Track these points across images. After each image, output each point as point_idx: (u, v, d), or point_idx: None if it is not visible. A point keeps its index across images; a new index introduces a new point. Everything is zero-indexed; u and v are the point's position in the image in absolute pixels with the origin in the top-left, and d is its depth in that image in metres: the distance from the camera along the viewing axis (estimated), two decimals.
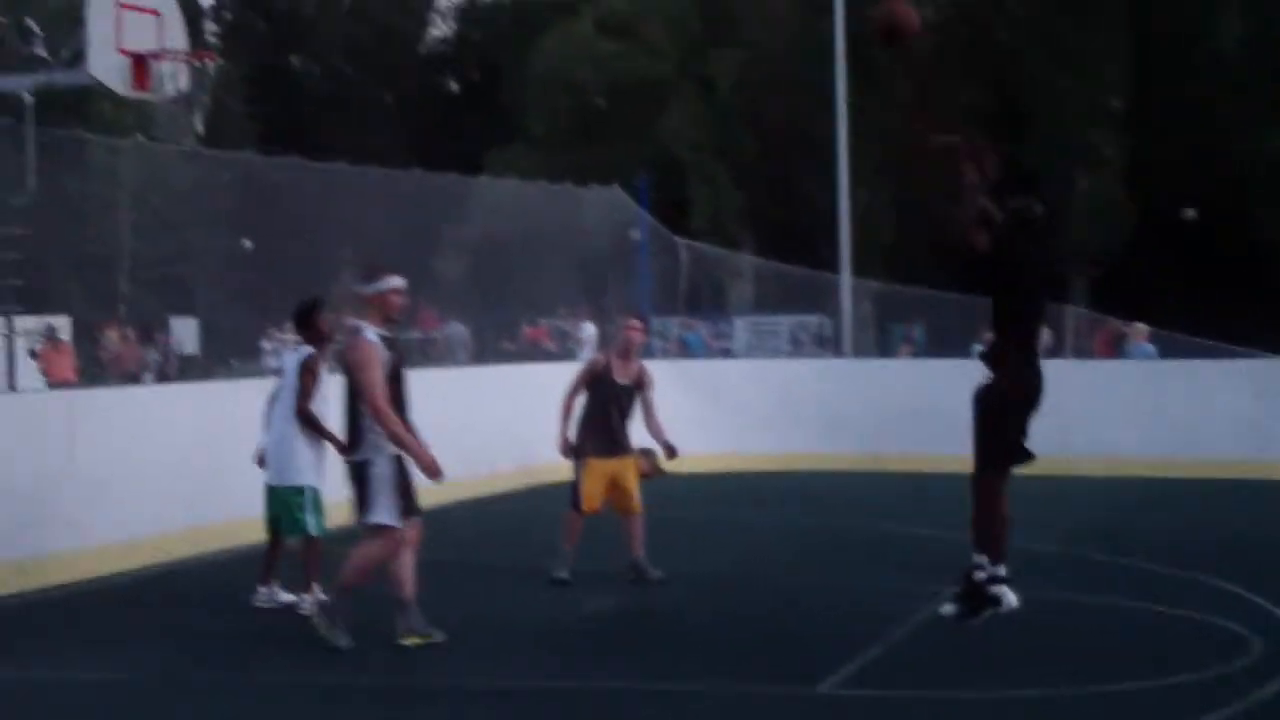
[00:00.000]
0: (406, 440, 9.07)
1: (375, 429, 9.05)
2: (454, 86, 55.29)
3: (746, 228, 38.65)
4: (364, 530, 9.23)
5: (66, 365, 20.69)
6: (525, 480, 16.87)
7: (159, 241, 21.24)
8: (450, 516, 13.46)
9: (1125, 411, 18.37)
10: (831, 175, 23.75)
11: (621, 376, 11.50)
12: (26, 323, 17.86)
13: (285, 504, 10.41)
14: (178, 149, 20.99)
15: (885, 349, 27.59)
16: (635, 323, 11.76)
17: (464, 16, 55.70)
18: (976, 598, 8.28)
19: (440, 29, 56.39)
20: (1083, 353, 23.20)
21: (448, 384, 16.24)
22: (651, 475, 11.61)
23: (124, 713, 8.28)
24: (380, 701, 8.36)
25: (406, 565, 9.29)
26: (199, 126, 42.02)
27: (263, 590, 10.61)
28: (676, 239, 25.15)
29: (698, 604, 10.92)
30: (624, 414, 11.52)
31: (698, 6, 42.82)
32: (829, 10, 23.30)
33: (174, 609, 10.89)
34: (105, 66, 13.39)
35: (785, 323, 28.24)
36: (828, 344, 25.43)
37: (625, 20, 42.69)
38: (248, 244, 19.97)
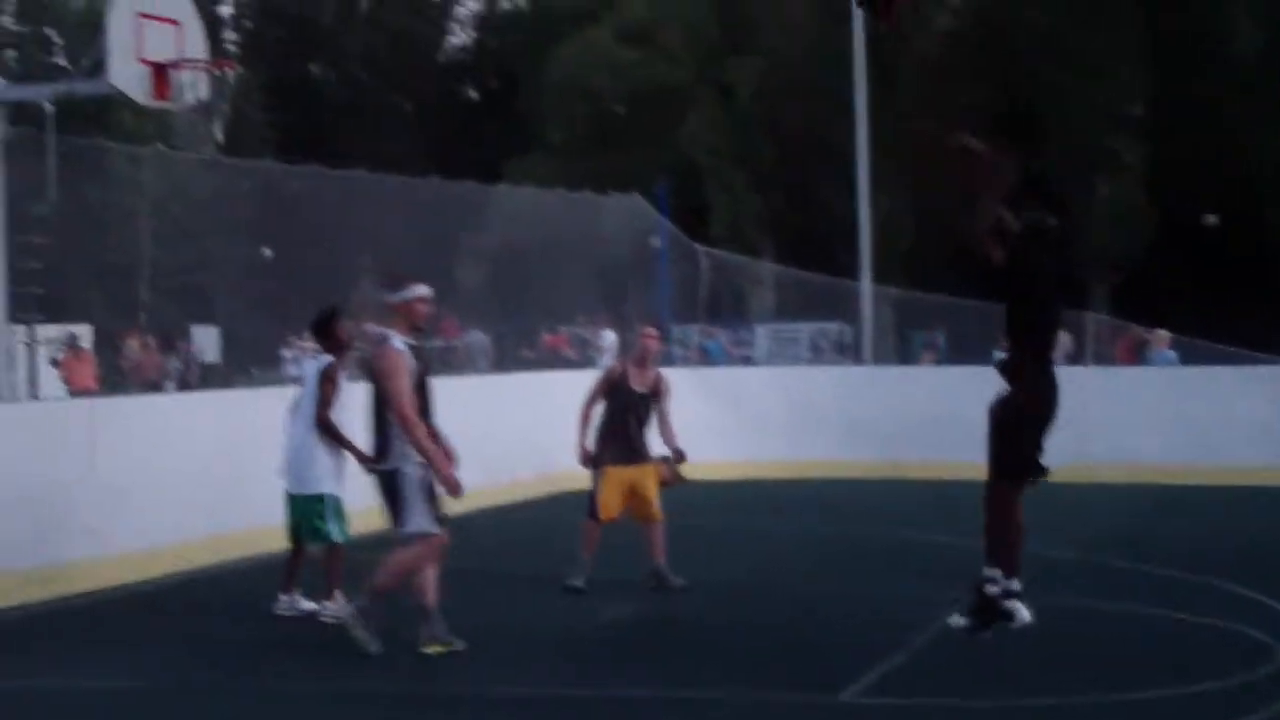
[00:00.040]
0: (431, 452, 9.06)
1: (403, 437, 9.05)
2: (473, 94, 55.29)
3: (766, 235, 38.57)
4: (401, 539, 9.23)
5: (87, 373, 20.72)
6: (546, 488, 16.87)
7: (179, 250, 21.29)
8: (471, 525, 13.44)
9: (1146, 418, 18.31)
10: (850, 182, 23.75)
11: (638, 384, 11.51)
12: (48, 331, 17.97)
13: (305, 512, 10.44)
14: (198, 157, 21.13)
15: (905, 356, 27.51)
16: (651, 331, 11.80)
17: (483, 24, 55.74)
18: (988, 612, 8.12)
19: (459, 37, 56.46)
20: (1104, 359, 23.14)
21: (468, 392, 16.23)
22: (672, 483, 11.61)
23: None
24: (402, 709, 8.38)
25: (429, 574, 9.30)
26: (218, 135, 42.26)
27: (284, 598, 10.63)
28: (696, 246, 25.17)
29: (716, 612, 10.92)
30: (641, 422, 11.52)
31: (716, 14, 42.74)
32: (848, 17, 23.27)
33: (195, 617, 10.92)
34: (126, 76, 13.46)
35: (805, 330, 28.18)
36: (848, 351, 25.38)
37: (644, 28, 42.64)
38: (267, 252, 20.02)
